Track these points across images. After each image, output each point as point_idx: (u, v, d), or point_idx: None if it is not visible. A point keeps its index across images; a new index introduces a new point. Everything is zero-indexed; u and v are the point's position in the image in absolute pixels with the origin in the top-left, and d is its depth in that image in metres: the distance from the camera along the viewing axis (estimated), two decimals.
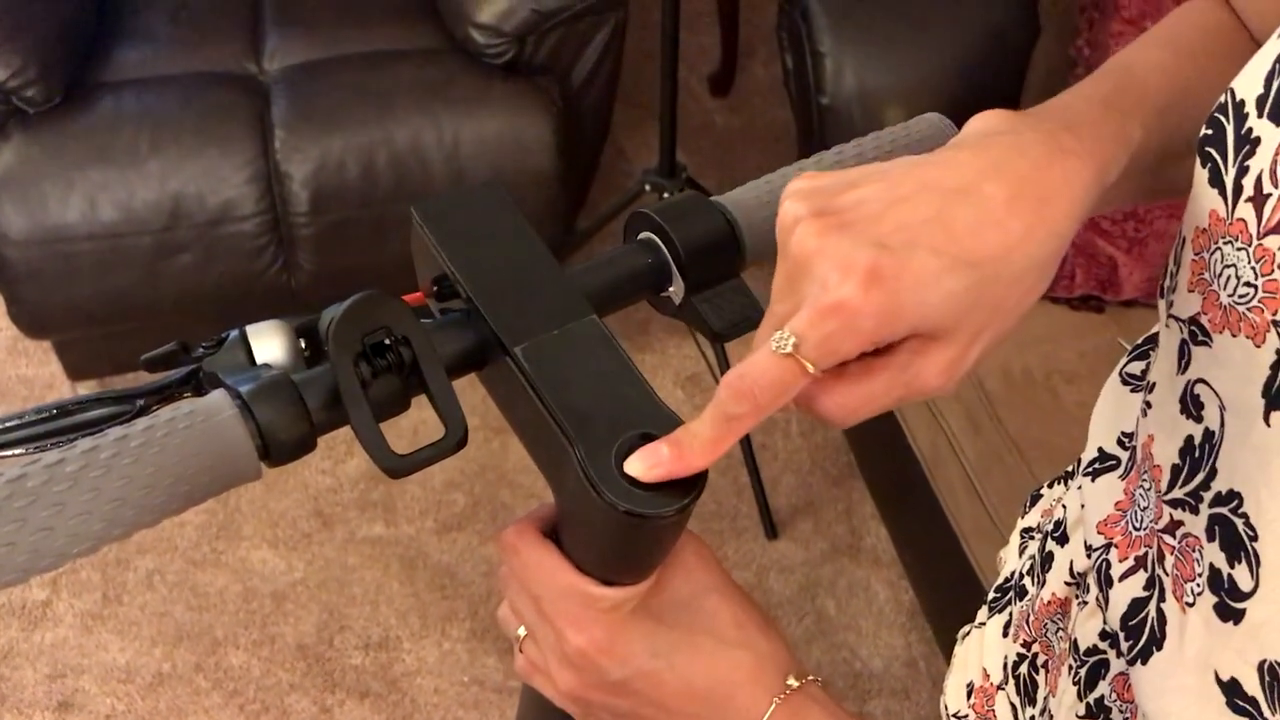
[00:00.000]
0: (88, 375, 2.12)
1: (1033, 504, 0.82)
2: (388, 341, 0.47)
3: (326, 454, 2.03)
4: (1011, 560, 0.81)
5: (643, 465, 0.45)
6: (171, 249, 1.84)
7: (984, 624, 0.78)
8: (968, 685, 0.78)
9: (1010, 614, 0.74)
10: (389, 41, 2.01)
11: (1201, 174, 0.49)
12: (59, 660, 1.78)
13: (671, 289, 0.55)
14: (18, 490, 0.42)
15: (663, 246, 0.54)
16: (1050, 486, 0.81)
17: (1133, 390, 0.65)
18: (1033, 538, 0.77)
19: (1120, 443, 0.64)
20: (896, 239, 0.44)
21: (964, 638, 0.82)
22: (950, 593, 1.63)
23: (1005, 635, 0.74)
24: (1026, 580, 0.73)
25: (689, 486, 0.46)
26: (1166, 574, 0.53)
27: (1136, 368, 0.66)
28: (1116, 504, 0.61)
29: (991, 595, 0.80)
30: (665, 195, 1.94)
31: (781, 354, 0.44)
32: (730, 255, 0.55)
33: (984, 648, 0.77)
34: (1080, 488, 0.66)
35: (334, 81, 1.93)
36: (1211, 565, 0.49)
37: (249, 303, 1.98)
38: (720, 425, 0.45)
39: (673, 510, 0.45)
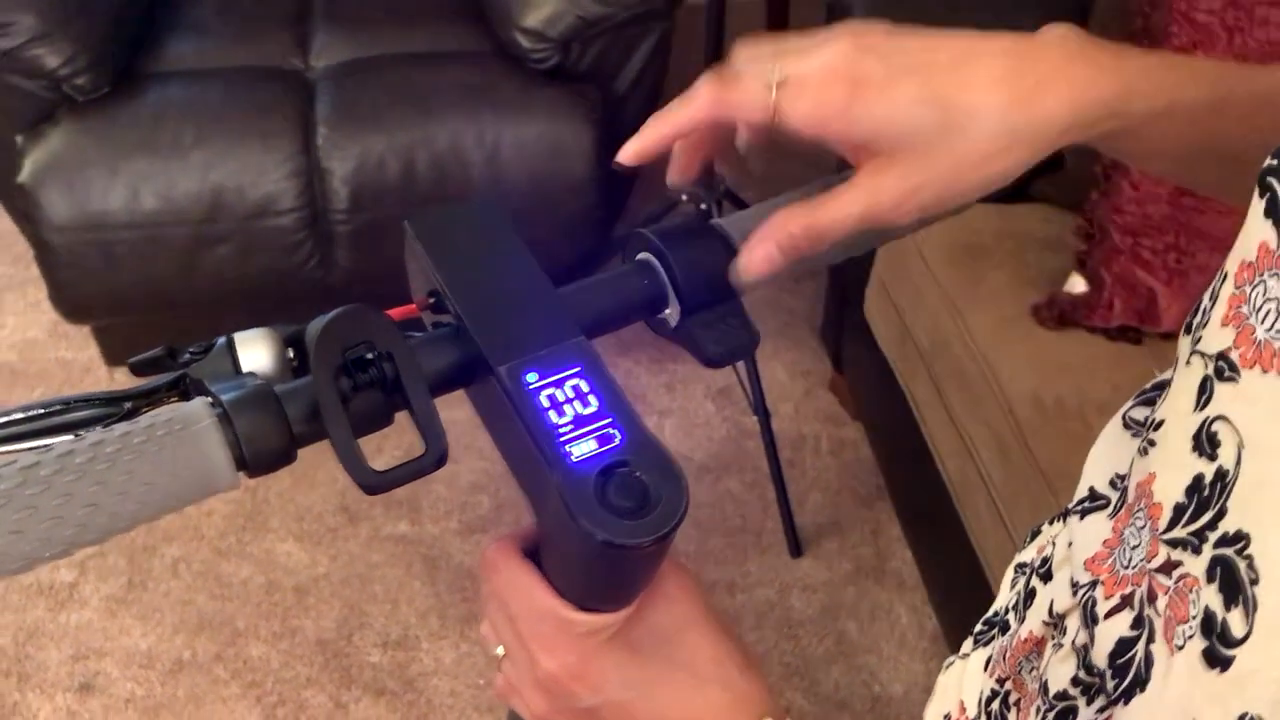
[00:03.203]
0: (124, 361, 2.14)
1: (1031, 539, 0.81)
2: (370, 356, 0.47)
3: None
4: (1002, 594, 0.79)
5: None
6: (211, 240, 1.86)
7: (968, 655, 0.77)
8: (944, 716, 0.77)
9: (993, 648, 0.73)
10: (435, 42, 2.02)
11: (1258, 205, 0.48)
12: (82, 642, 1.80)
13: (667, 311, 0.54)
14: None
15: (660, 269, 0.54)
16: (1050, 523, 0.79)
17: (1134, 435, 0.64)
18: (1023, 573, 0.76)
19: (1112, 483, 0.63)
20: (899, 63, 0.50)
21: (948, 667, 0.81)
22: (973, 621, 1.61)
23: (985, 669, 0.73)
24: (1010, 615, 0.71)
25: (668, 516, 0.45)
26: (1158, 614, 0.52)
27: (1141, 413, 0.65)
28: (1104, 542, 0.60)
29: (978, 627, 0.79)
30: (702, 206, 1.93)
31: (766, 85, 0.51)
32: (728, 279, 0.54)
33: (964, 680, 0.75)
34: (1067, 525, 0.65)
35: (378, 80, 1.94)
36: (1207, 608, 0.48)
37: (285, 297, 1.99)
38: (683, 107, 0.54)
39: (650, 540, 0.44)
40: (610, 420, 0.47)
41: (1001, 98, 0.50)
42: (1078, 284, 1.52)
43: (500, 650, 0.53)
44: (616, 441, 0.46)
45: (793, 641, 1.82)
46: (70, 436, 0.44)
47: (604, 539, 0.44)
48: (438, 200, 1.88)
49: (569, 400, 0.47)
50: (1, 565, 0.42)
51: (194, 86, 1.91)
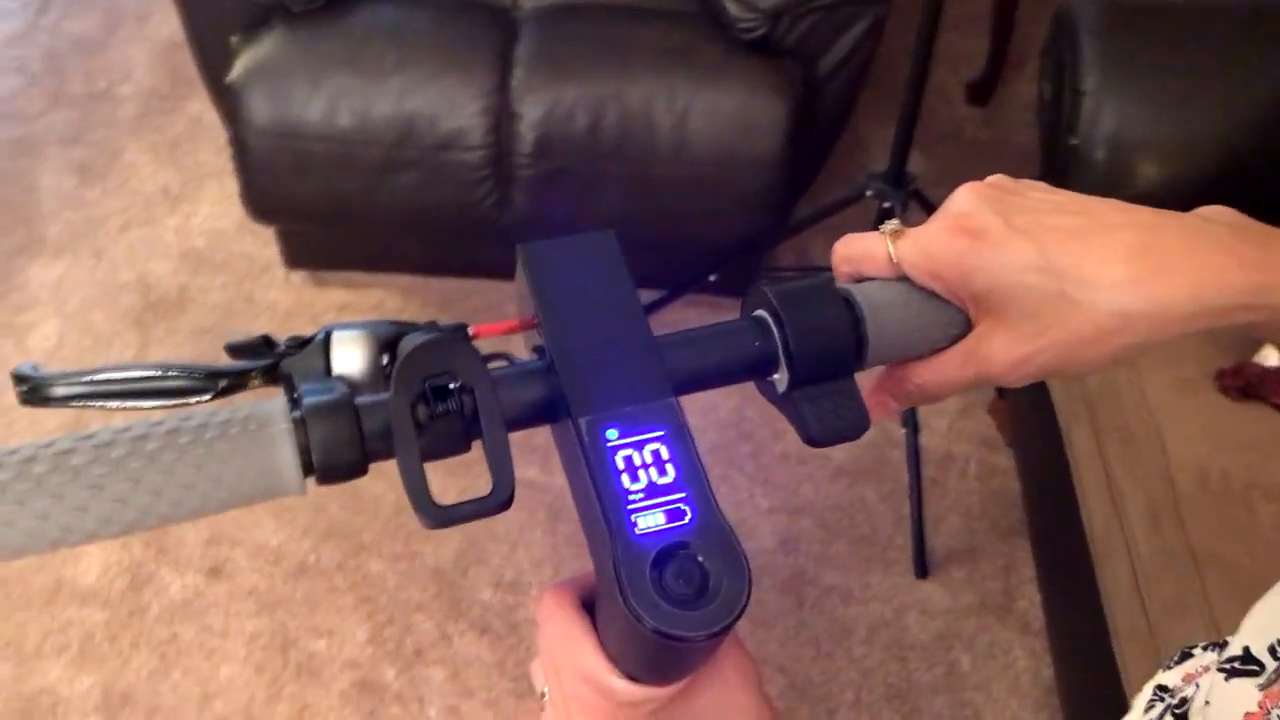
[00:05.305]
0: (302, 265, 2.22)
1: (1179, 661, 0.74)
2: (451, 386, 0.45)
3: None
4: (1136, 712, 0.74)
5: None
6: (397, 165, 1.89)
7: None
8: None
9: None
10: None
11: None
12: (219, 529, 1.89)
13: (776, 376, 0.51)
14: (61, 465, 0.42)
15: (775, 331, 0.50)
16: (1205, 649, 0.73)
17: None
18: (1162, 699, 0.70)
19: (1272, 650, 0.57)
20: (1021, 223, 0.49)
21: None
22: (1089, 684, 1.53)
23: None
24: None
25: (726, 611, 0.42)
26: None
27: None
28: (1246, 714, 0.54)
29: None
30: (886, 204, 1.87)
31: (882, 234, 0.52)
32: (846, 354, 0.51)
33: None
34: (1211, 680, 0.59)
35: (582, 29, 1.93)
36: None
37: (459, 230, 2.02)
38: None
39: (703, 635, 0.42)
40: (684, 495, 0.44)
41: (1119, 275, 0.47)
42: (1271, 357, 1.41)
43: (544, 692, 0.52)
44: (686, 519, 0.44)
45: (901, 663, 1.77)
46: (146, 421, 0.44)
47: (654, 626, 0.41)
48: (619, 159, 1.87)
49: (645, 466, 0.45)
50: (64, 538, 0.43)
51: (404, 10, 1.93)
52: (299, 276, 2.25)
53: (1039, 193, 0.51)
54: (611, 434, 0.45)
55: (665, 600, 0.42)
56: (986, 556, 1.89)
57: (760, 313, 0.51)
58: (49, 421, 1.96)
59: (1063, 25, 1.63)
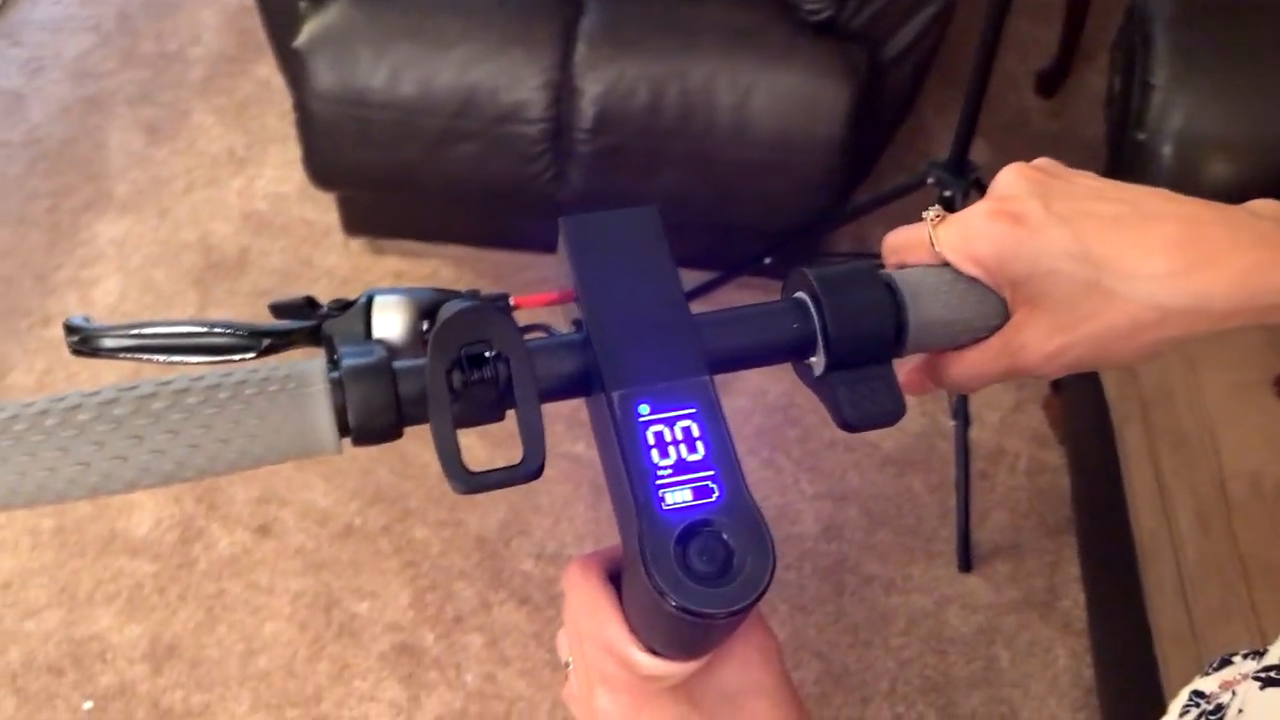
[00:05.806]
0: (360, 233, 2.24)
1: (1218, 668, 0.73)
2: (487, 355, 0.46)
3: None
4: (1170, 718, 0.73)
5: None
6: (457, 136, 1.90)
7: None
8: None
9: None
10: None
11: None
12: (269, 488, 1.92)
13: (812, 359, 0.51)
14: (104, 414, 0.43)
15: (814, 313, 0.50)
16: (1245, 657, 0.72)
17: None
18: (1197, 704, 0.69)
19: None
20: (1060, 208, 0.48)
21: None
22: (1129, 687, 1.51)
23: None
24: None
25: (749, 589, 0.42)
26: None
27: None
28: None
29: None
30: (947, 193, 1.84)
31: (925, 220, 0.52)
32: (886, 341, 0.50)
33: None
34: (1245, 689, 0.58)
35: (647, 5, 1.92)
36: None
37: (516, 203, 2.03)
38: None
39: (724, 613, 0.42)
40: (713, 473, 0.44)
41: (1158, 267, 0.46)
42: None
43: (569, 661, 0.52)
44: (713, 497, 0.44)
45: (939, 656, 1.76)
46: (188, 376, 0.45)
47: (677, 602, 0.42)
48: (678, 137, 1.86)
49: (676, 442, 0.45)
50: (103, 485, 0.44)
51: None
52: (357, 244, 2.27)
53: (1085, 179, 0.51)
54: (643, 409, 0.45)
55: (689, 576, 0.42)
56: (1032, 553, 1.87)
57: (800, 295, 0.51)
58: (107, 375, 2.00)
59: (1135, 16, 1.60)
